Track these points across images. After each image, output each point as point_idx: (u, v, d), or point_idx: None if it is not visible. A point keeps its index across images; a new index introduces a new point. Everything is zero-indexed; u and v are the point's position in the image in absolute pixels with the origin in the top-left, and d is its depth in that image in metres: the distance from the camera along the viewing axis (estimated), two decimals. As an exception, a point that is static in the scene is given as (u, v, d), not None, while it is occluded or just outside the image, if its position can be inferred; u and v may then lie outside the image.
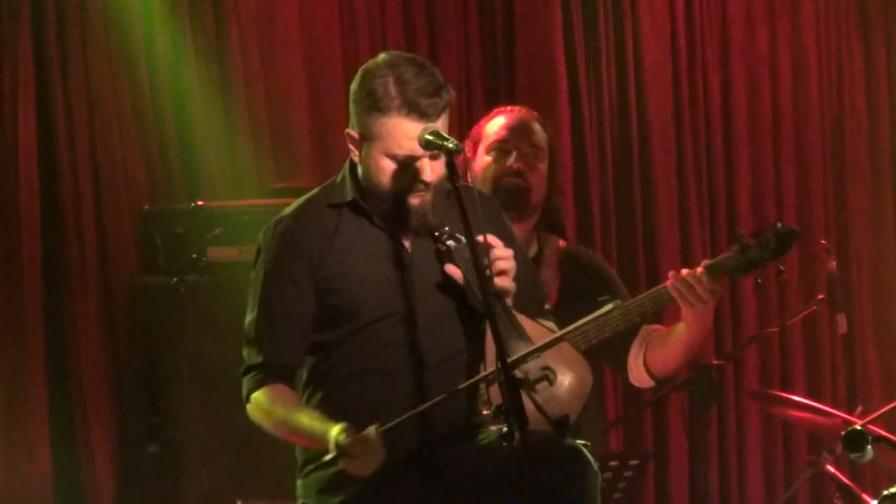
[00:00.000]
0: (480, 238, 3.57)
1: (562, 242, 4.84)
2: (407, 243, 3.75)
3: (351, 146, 3.73)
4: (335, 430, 3.53)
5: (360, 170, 3.73)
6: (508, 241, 3.73)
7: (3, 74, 5.68)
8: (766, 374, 6.64)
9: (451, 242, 3.68)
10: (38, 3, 5.71)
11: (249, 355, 3.75)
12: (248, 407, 3.74)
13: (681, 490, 6.45)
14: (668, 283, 4.35)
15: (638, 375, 4.62)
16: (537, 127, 4.74)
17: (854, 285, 6.74)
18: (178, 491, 5.28)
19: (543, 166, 4.70)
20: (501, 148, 4.68)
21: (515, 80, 6.45)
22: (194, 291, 5.33)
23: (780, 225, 4.31)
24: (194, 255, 5.37)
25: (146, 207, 5.59)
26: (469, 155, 4.69)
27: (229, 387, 3.86)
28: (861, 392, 6.72)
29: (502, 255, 3.64)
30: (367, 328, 3.70)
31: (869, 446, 4.17)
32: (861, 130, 6.84)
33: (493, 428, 3.62)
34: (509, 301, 3.64)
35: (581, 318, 3.87)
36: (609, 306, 3.94)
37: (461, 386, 3.62)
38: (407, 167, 3.64)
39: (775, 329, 6.21)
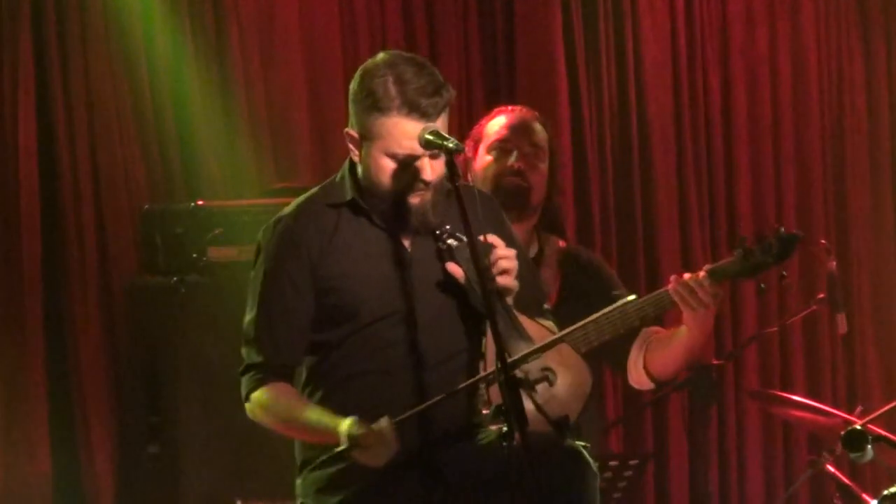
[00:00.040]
0: (482, 238, 3.58)
1: (562, 242, 4.83)
2: (406, 243, 3.74)
3: (350, 146, 3.73)
4: (347, 422, 3.53)
5: (359, 169, 3.73)
6: (508, 241, 3.72)
7: (3, 74, 5.68)
8: (766, 374, 6.64)
9: (452, 241, 3.68)
10: (38, 3, 5.71)
11: (248, 355, 3.75)
12: (248, 406, 3.74)
13: (681, 490, 6.45)
14: (670, 286, 4.32)
15: (637, 377, 4.61)
16: (538, 127, 4.74)
17: (854, 285, 6.73)
18: (178, 491, 5.28)
19: (544, 166, 4.70)
20: (502, 147, 4.67)
21: (515, 80, 6.45)
22: (194, 291, 5.33)
23: (782, 229, 4.29)
24: (194, 255, 5.37)
25: (146, 207, 5.58)
26: (470, 154, 4.68)
27: (229, 387, 3.86)
28: (861, 392, 6.71)
29: (505, 255, 3.64)
30: (366, 328, 3.70)
31: (869, 446, 4.18)
32: (861, 130, 6.83)
33: (493, 428, 3.61)
34: (510, 300, 3.64)
35: (580, 318, 3.87)
36: (628, 298, 3.94)
37: (461, 386, 3.63)
38: (407, 166, 3.64)
39: (775, 329, 6.20)
